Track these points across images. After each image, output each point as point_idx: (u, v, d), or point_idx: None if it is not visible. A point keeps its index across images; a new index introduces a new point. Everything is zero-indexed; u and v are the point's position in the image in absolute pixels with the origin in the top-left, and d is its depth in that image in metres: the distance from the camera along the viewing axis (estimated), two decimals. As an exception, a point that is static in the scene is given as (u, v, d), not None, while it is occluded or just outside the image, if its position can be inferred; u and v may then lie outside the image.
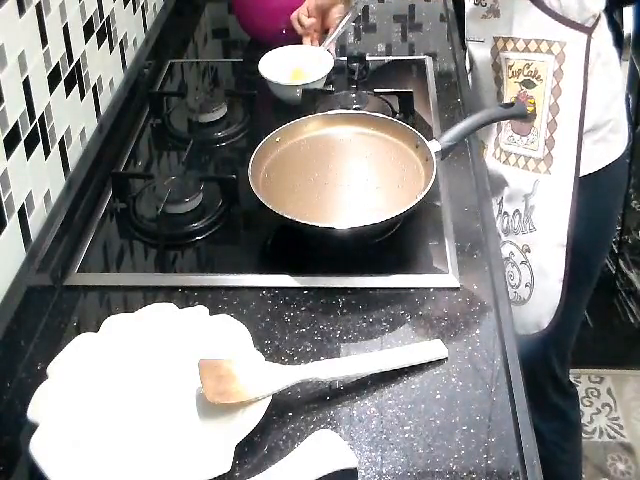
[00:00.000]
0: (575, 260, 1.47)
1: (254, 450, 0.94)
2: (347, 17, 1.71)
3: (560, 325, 1.53)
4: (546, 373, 1.66)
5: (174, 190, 1.30)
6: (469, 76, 1.62)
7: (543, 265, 1.48)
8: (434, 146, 1.27)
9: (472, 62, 1.57)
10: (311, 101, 1.55)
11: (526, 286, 1.50)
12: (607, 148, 1.48)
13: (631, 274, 2.56)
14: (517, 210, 1.49)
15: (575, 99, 1.41)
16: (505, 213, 1.52)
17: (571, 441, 1.77)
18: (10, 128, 1.11)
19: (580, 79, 1.40)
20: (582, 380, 2.34)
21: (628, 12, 2.05)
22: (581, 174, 1.44)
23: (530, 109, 1.43)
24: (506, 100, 1.47)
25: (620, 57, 1.82)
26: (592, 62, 1.40)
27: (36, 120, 1.20)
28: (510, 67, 1.45)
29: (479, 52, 1.51)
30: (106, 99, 1.52)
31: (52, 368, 1.01)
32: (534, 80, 1.42)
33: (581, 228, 1.46)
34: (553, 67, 1.41)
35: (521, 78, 1.44)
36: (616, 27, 1.67)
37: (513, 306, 1.51)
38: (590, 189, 1.45)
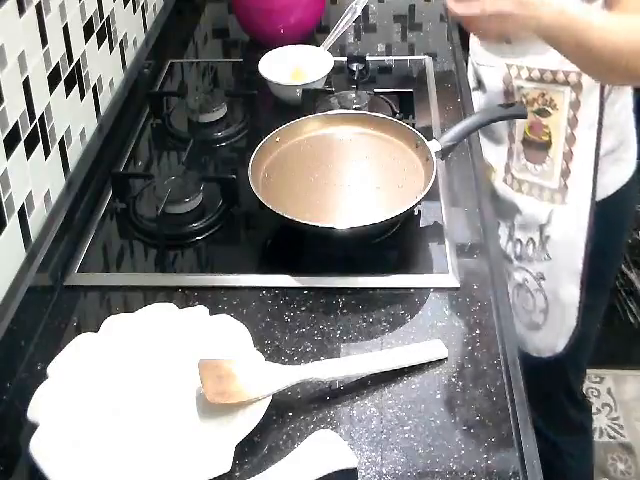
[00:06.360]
0: (591, 280, 1.44)
1: (254, 450, 0.94)
2: (347, 17, 1.71)
3: (576, 345, 1.50)
4: (562, 388, 1.65)
5: (174, 190, 1.30)
6: (475, 95, 1.56)
7: (558, 293, 1.46)
8: (434, 146, 1.27)
9: (480, 83, 1.51)
10: (311, 101, 1.55)
11: (540, 312, 1.48)
12: (621, 168, 1.45)
13: (631, 274, 2.56)
14: (531, 239, 1.46)
15: (591, 129, 1.37)
16: (518, 240, 1.48)
17: (585, 452, 1.76)
18: (10, 128, 1.11)
19: (596, 108, 1.36)
20: (582, 380, 2.34)
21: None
22: (598, 198, 1.41)
23: (545, 138, 1.40)
24: (518, 128, 1.43)
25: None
26: (607, 89, 1.36)
27: (36, 120, 1.20)
28: (524, 96, 1.40)
29: (489, 77, 1.46)
30: (106, 99, 1.52)
31: (52, 368, 1.01)
32: (549, 109, 1.38)
33: (597, 249, 1.43)
34: (570, 97, 1.36)
35: (535, 107, 1.39)
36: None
37: (527, 331, 1.49)
38: (607, 211, 1.42)
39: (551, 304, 1.47)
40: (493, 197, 1.48)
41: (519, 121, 1.42)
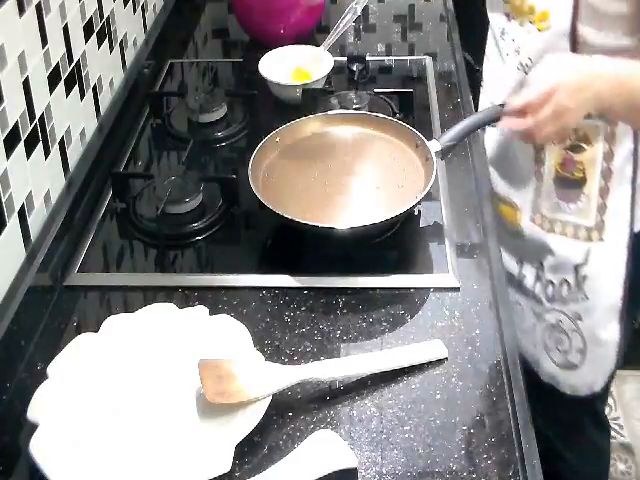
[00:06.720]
0: (628, 313, 1.39)
1: (254, 450, 0.94)
2: (347, 17, 1.71)
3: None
4: (590, 413, 1.62)
5: (174, 190, 1.30)
6: (494, 131, 1.45)
7: (597, 333, 1.40)
8: (434, 146, 1.27)
9: None
10: (311, 101, 1.54)
11: (577, 352, 1.42)
12: None
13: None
14: (565, 280, 1.39)
15: (628, 161, 1.31)
16: (550, 282, 1.42)
17: (603, 473, 1.73)
18: (10, 128, 1.11)
19: (631, 139, 1.29)
20: (582, 380, 2.34)
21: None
22: (635, 230, 1.35)
23: (578, 175, 1.33)
24: (547, 166, 1.35)
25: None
26: None
27: (36, 120, 1.20)
28: None
29: None
30: (106, 99, 1.52)
31: (52, 368, 1.01)
32: (583, 144, 1.30)
33: (634, 282, 1.37)
34: (605, 130, 1.29)
35: (567, 143, 1.31)
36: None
37: (561, 370, 1.43)
38: None
39: (589, 344, 1.41)
40: (517, 237, 1.43)
41: (548, 159, 1.35)
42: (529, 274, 1.45)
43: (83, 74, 1.40)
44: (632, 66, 1.16)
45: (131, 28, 1.68)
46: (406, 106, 1.53)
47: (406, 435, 0.96)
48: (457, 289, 1.16)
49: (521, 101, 1.16)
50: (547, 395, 1.47)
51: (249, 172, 1.26)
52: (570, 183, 1.34)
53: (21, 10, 1.15)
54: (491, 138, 1.46)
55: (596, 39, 1.19)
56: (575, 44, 1.19)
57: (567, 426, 1.61)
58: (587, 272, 1.37)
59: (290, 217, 1.18)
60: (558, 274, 1.40)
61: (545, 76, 1.15)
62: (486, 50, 1.43)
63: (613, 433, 2.18)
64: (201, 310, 1.09)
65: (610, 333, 1.40)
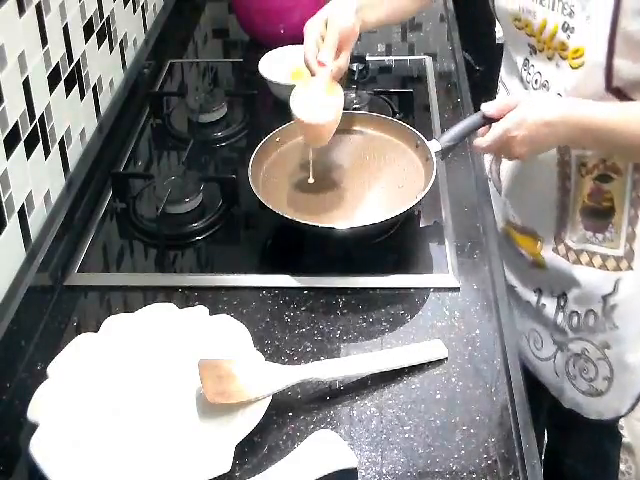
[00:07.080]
0: None
1: (254, 450, 0.94)
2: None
3: None
4: (608, 430, 1.61)
5: (174, 190, 1.30)
6: (507, 165, 1.41)
7: (625, 359, 1.37)
8: (434, 146, 1.27)
9: None
10: (311, 101, 1.54)
11: (604, 379, 1.40)
12: None
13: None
14: (592, 310, 1.35)
15: None
16: (574, 312, 1.38)
17: (611, 477, 1.73)
18: (10, 128, 1.11)
19: None
20: (582, 380, 2.33)
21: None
22: None
23: (606, 204, 1.29)
24: (573, 196, 1.31)
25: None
26: None
27: (36, 120, 1.20)
28: (584, 165, 1.27)
29: None
30: (106, 99, 1.52)
31: (52, 368, 1.01)
32: (611, 174, 1.27)
33: None
34: None
35: (595, 174, 1.27)
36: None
37: (586, 397, 1.41)
38: None
39: (617, 371, 1.39)
40: (537, 267, 1.40)
41: (574, 189, 1.30)
42: (549, 304, 1.41)
43: (83, 74, 1.40)
44: (597, 106, 1.16)
45: (131, 28, 1.68)
46: (406, 106, 1.53)
47: (406, 435, 0.96)
48: (457, 289, 1.16)
49: (484, 143, 1.20)
50: (568, 419, 1.47)
51: (249, 172, 1.26)
52: (598, 213, 1.31)
53: (21, 10, 1.15)
54: (508, 170, 1.41)
55: (630, 71, 1.16)
56: (609, 78, 1.17)
57: (582, 443, 1.60)
58: (616, 301, 1.34)
59: (290, 217, 1.18)
60: (584, 305, 1.37)
61: (502, 126, 1.17)
62: (500, 75, 1.40)
63: (613, 433, 2.18)
64: (201, 310, 1.09)
65: (638, 357, 1.38)
